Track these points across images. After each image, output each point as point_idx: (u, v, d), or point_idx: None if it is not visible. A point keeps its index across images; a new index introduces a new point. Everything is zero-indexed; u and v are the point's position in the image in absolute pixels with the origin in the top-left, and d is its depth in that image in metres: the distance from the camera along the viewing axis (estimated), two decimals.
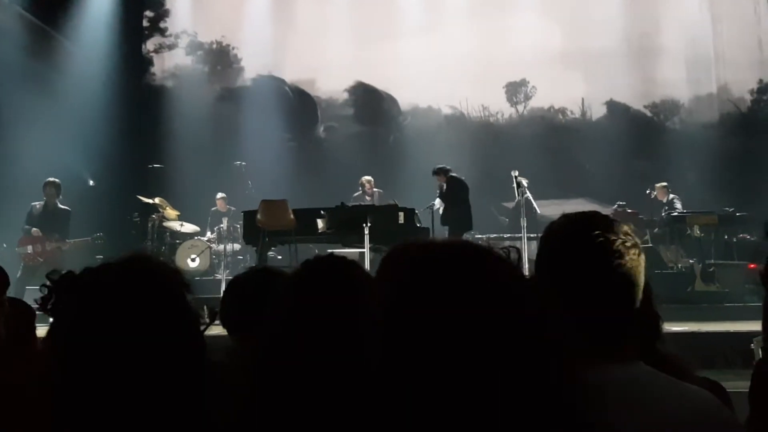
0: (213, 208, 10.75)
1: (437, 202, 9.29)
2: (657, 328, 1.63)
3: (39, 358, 1.19)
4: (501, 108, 12.75)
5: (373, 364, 0.84)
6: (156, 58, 13.21)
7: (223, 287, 6.16)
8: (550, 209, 8.66)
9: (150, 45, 13.20)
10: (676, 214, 9.49)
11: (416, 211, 8.62)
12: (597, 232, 1.22)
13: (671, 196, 9.97)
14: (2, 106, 9.80)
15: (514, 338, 0.82)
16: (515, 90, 12.70)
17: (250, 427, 1.16)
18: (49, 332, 1.07)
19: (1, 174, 9.54)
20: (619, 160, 11.21)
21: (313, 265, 1.33)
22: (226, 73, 13.22)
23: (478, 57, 12.09)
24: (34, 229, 8.45)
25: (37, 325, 2.12)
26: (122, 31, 11.89)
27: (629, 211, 9.81)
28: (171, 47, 13.23)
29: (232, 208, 10.46)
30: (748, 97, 12.30)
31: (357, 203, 9.55)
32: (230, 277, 3.29)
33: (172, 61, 13.21)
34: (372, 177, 10.33)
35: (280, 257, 9.54)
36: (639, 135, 11.84)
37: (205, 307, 1.16)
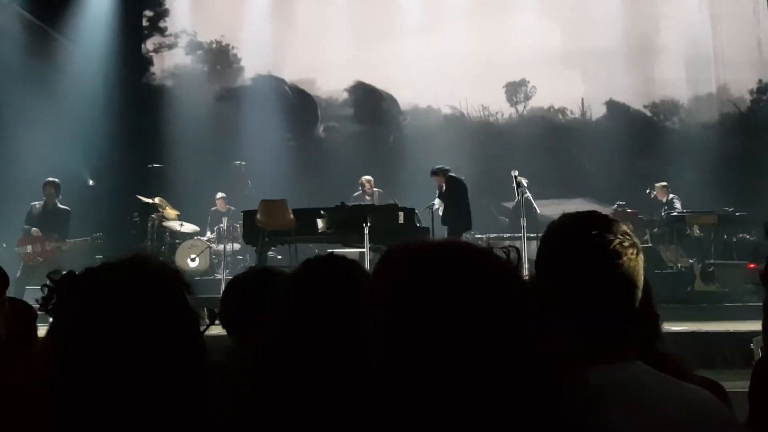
0: (213, 208, 10.75)
1: (437, 202, 9.28)
2: (656, 328, 1.63)
3: (39, 358, 1.19)
4: (501, 108, 12.74)
5: (373, 364, 0.84)
6: (155, 58, 13.21)
7: (222, 287, 6.16)
8: (550, 209, 8.66)
9: (149, 44, 13.20)
10: (675, 213, 9.49)
11: (416, 211, 8.62)
12: (595, 232, 1.22)
13: (671, 195, 9.98)
14: (2, 106, 9.79)
15: (513, 338, 0.82)
16: (515, 90, 12.70)
17: (250, 427, 1.16)
18: (48, 332, 1.07)
19: (1, 174, 9.54)
20: (618, 160, 11.21)
21: (313, 265, 1.33)
22: (225, 72, 13.22)
23: (478, 57, 12.08)
24: (34, 228, 8.45)
25: (38, 325, 2.12)
26: (122, 31, 11.89)
27: (629, 210, 9.82)
28: (170, 47, 13.22)
29: (232, 208, 10.46)
30: (748, 97, 12.30)
31: (357, 203, 9.55)
32: (230, 277, 3.29)
33: (172, 60, 13.21)
34: (372, 177, 10.33)
35: (279, 257, 9.54)
36: (639, 135, 11.85)
37: (205, 309, 1.16)
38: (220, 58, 13.19)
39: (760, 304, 2.16)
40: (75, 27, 11.33)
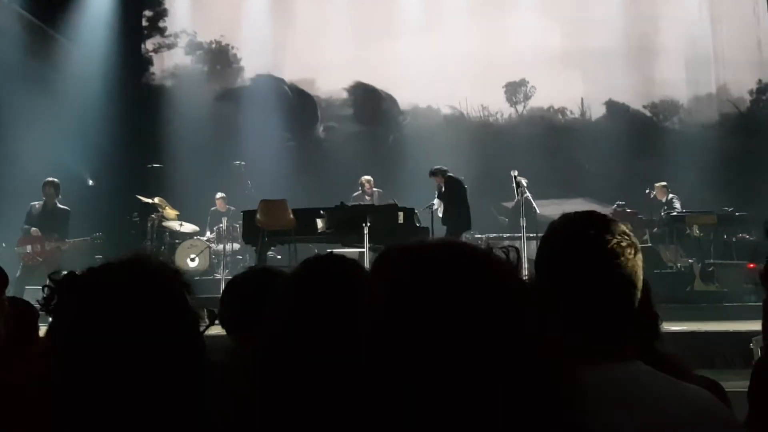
0: (212, 208, 10.75)
1: (436, 202, 9.27)
2: (656, 328, 1.63)
3: (39, 358, 1.19)
4: (500, 108, 12.74)
5: (372, 363, 0.84)
6: (155, 58, 13.21)
7: (222, 287, 6.16)
8: (550, 209, 8.66)
9: (149, 45, 13.19)
10: (675, 213, 9.50)
11: (416, 211, 8.62)
12: (593, 232, 1.22)
13: (670, 195, 9.98)
14: (1, 106, 9.79)
15: (513, 338, 0.82)
16: (515, 90, 12.70)
17: (250, 427, 1.16)
18: (48, 332, 1.07)
19: (1, 174, 9.54)
20: (618, 160, 11.21)
21: (312, 265, 1.33)
22: (225, 72, 13.22)
23: (478, 57, 12.08)
24: (34, 228, 8.44)
25: (40, 324, 2.12)
26: (121, 31, 11.89)
27: (628, 210, 9.83)
28: (170, 47, 13.22)
29: (232, 208, 10.46)
30: (748, 97, 12.31)
31: (356, 203, 9.55)
32: (229, 277, 3.29)
33: (172, 60, 13.20)
34: (371, 177, 10.32)
35: (279, 257, 9.54)
36: (638, 135, 11.84)
37: (205, 310, 1.16)
38: (219, 58, 13.19)
39: (760, 303, 2.17)
40: (75, 27, 11.32)
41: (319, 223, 8.23)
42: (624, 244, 1.22)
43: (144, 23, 13.17)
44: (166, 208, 10.05)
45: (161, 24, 13.25)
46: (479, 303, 0.82)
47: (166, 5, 13.19)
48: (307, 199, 9.00)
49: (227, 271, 9.57)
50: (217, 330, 1.46)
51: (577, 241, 1.23)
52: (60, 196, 8.59)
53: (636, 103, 12.42)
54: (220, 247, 10.14)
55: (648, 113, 12.48)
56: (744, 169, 10.91)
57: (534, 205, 8.19)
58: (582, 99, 12.55)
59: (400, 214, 8.25)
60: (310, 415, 1.10)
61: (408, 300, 0.83)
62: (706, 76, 12.34)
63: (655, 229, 9.72)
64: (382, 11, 12.52)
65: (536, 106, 12.66)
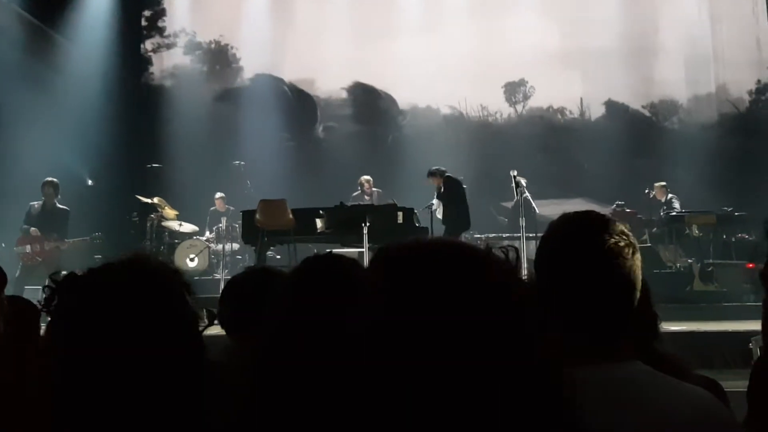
0: (212, 208, 10.75)
1: (435, 202, 9.26)
2: (655, 328, 1.64)
3: (39, 357, 1.19)
4: (500, 108, 12.75)
5: (372, 364, 0.84)
6: (154, 58, 13.20)
7: (221, 287, 6.16)
8: (549, 209, 8.67)
9: (148, 44, 13.19)
10: (674, 213, 9.50)
11: (415, 211, 8.62)
12: (592, 232, 1.22)
13: (670, 195, 9.99)
14: (1, 106, 9.79)
15: (512, 338, 0.82)
16: (514, 90, 12.70)
17: (249, 427, 1.16)
18: (47, 332, 1.07)
19: (0, 174, 9.53)
20: (617, 160, 11.21)
21: (311, 264, 1.32)
22: (224, 72, 13.22)
23: (478, 57, 12.09)
24: (33, 228, 8.44)
25: (41, 324, 2.12)
26: (120, 31, 11.89)
27: (628, 210, 9.82)
28: (169, 47, 13.22)
29: (231, 208, 10.46)
30: (747, 97, 12.31)
31: (356, 203, 9.55)
32: (229, 277, 3.29)
33: (171, 60, 13.20)
34: (371, 176, 10.32)
35: (279, 257, 9.54)
36: (637, 135, 11.85)
37: (204, 310, 1.16)
38: (219, 58, 13.19)
39: (759, 303, 2.16)
40: (74, 27, 11.33)
41: (319, 223, 8.23)
42: (623, 244, 1.22)
43: (143, 23, 13.18)
44: (166, 208, 10.05)
45: (160, 24, 13.25)
46: (478, 303, 0.82)
47: (165, 5, 13.19)
48: (307, 199, 9.00)
49: (226, 271, 9.57)
50: (216, 330, 1.46)
51: (577, 241, 1.23)
52: (59, 196, 8.59)
53: (635, 103, 12.43)
54: (220, 247, 10.13)
55: (647, 113, 12.49)
56: (743, 169, 10.91)
57: (533, 205, 8.19)
58: (581, 99, 12.55)
59: (400, 214, 8.25)
60: (310, 415, 1.10)
61: (407, 300, 0.83)
62: (706, 76, 12.34)
63: (655, 229, 9.73)
64: (382, 11, 12.52)
65: (536, 106, 12.66)
